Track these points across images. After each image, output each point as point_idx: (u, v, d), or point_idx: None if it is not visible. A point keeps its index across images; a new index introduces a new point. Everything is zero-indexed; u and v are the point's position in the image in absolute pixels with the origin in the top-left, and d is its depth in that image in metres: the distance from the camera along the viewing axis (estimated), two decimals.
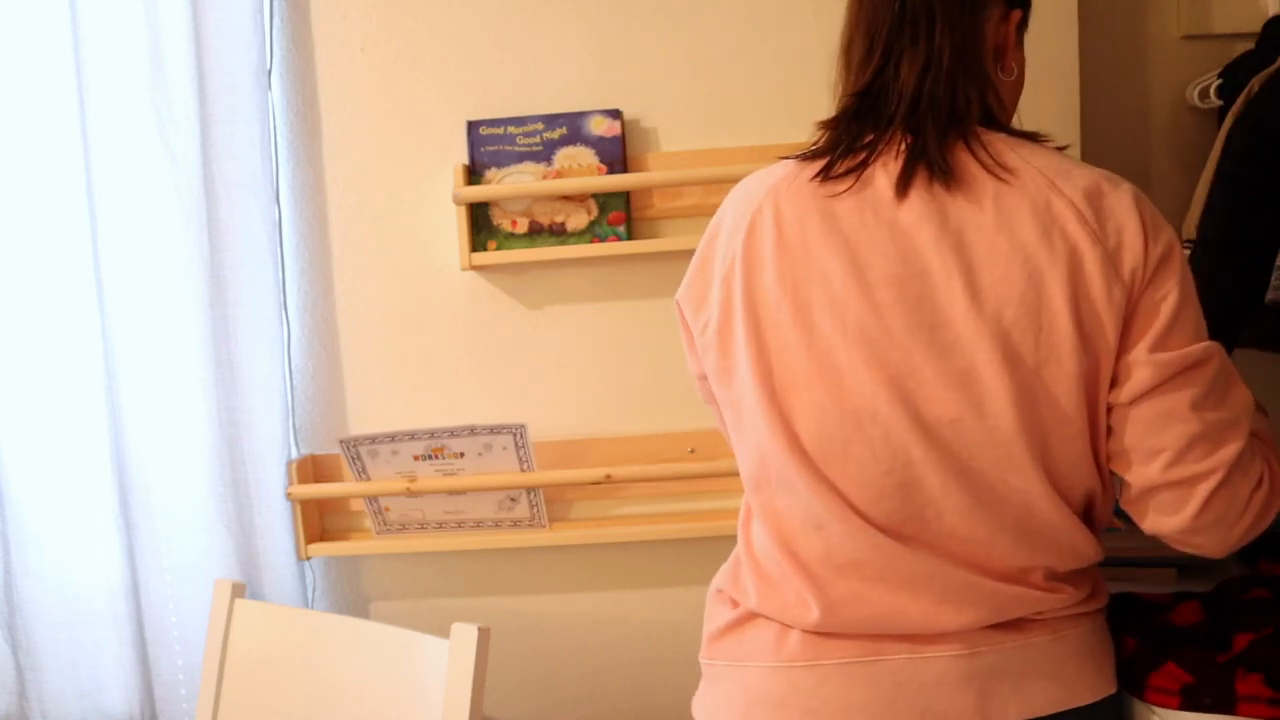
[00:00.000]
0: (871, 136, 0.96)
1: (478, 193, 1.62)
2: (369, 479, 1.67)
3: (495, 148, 1.64)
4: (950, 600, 0.93)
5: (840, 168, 0.96)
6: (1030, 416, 0.90)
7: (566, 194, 1.63)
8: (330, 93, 1.68)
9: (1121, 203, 0.90)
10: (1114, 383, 0.91)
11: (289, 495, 1.67)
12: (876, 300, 0.91)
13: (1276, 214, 1.30)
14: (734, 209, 1.01)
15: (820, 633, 0.96)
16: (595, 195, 1.64)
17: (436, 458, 1.65)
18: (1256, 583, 1.20)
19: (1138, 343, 0.89)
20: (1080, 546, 0.95)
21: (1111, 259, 0.89)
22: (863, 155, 0.96)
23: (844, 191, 0.95)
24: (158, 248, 1.61)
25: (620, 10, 1.64)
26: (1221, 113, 1.57)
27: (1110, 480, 0.97)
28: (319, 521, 1.75)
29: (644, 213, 1.66)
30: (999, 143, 0.94)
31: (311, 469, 1.73)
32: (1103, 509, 0.99)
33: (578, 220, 1.65)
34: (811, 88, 1.60)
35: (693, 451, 1.66)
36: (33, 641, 1.65)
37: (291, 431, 1.72)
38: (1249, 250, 1.32)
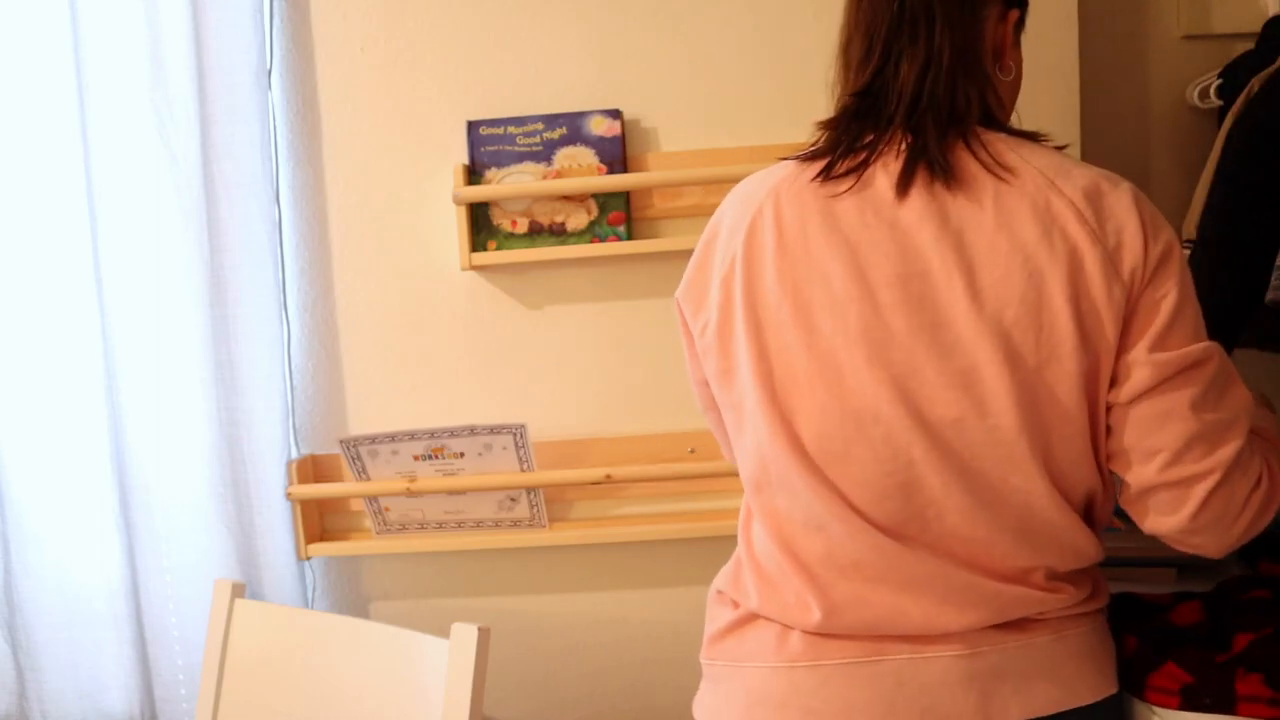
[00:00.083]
0: (871, 136, 0.96)
1: (478, 193, 1.62)
2: (369, 479, 1.67)
3: (495, 148, 1.64)
4: (952, 601, 0.93)
5: (841, 168, 0.95)
6: (1032, 416, 0.90)
7: (566, 194, 1.63)
8: (330, 93, 1.68)
9: (1121, 202, 0.90)
10: (1113, 382, 0.91)
11: (289, 495, 1.67)
12: (878, 300, 0.91)
13: (1276, 214, 1.30)
14: (733, 210, 1.01)
15: (821, 633, 0.96)
16: (595, 195, 1.64)
17: (436, 458, 1.65)
18: (1257, 583, 1.20)
19: (1137, 342, 0.89)
20: (1081, 546, 0.95)
21: (1111, 258, 0.89)
22: (863, 155, 0.95)
23: (844, 192, 0.95)
24: (158, 248, 1.61)
25: (620, 10, 1.64)
26: (1221, 113, 1.57)
27: (1110, 480, 0.97)
28: (319, 521, 1.75)
29: (644, 213, 1.66)
30: (999, 142, 0.94)
31: (311, 469, 1.73)
32: (1103, 508, 0.99)
33: (578, 220, 1.65)
34: (811, 88, 1.60)
35: (693, 451, 1.66)
36: (33, 641, 1.65)
37: (291, 431, 1.72)
38: (1249, 250, 1.32)
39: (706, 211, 1.57)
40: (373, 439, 1.63)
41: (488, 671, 1.28)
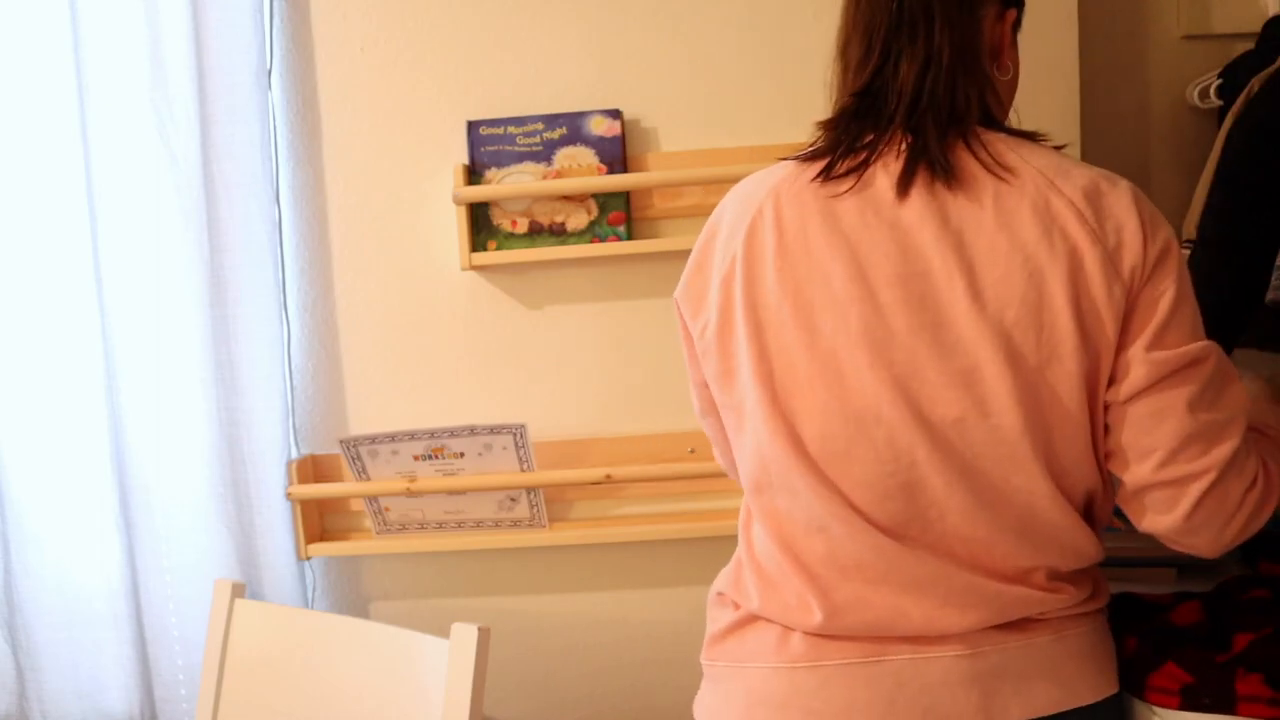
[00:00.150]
0: (871, 136, 0.96)
1: (478, 193, 1.62)
2: (369, 479, 1.67)
3: (495, 148, 1.64)
4: (953, 603, 0.93)
5: (841, 168, 0.95)
6: (1034, 415, 0.90)
7: (566, 194, 1.63)
8: (330, 93, 1.68)
9: (1120, 202, 0.90)
10: (1111, 380, 0.91)
11: (289, 495, 1.67)
12: (879, 301, 0.91)
13: (1276, 214, 1.30)
14: (733, 210, 1.01)
15: (822, 635, 0.96)
16: (595, 195, 1.64)
17: (436, 458, 1.65)
18: (1257, 583, 1.20)
19: (1134, 340, 0.89)
20: (1082, 546, 0.95)
21: (1111, 258, 0.89)
22: (863, 155, 0.95)
23: (845, 192, 0.95)
24: (158, 248, 1.61)
25: (620, 10, 1.64)
26: (1221, 113, 1.57)
27: (1110, 479, 0.97)
28: (319, 521, 1.75)
29: (644, 213, 1.66)
30: (998, 142, 0.94)
31: (311, 469, 1.73)
32: (1103, 507, 0.99)
33: (578, 220, 1.65)
34: (811, 88, 1.59)
35: (693, 451, 1.66)
36: (33, 641, 1.65)
37: (291, 431, 1.72)
38: (1249, 250, 1.32)
39: (706, 211, 1.56)
40: (373, 439, 1.63)
41: (488, 671, 1.28)
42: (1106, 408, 0.92)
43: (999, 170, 0.92)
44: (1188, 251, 1.44)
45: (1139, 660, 1.02)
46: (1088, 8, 1.64)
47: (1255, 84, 1.41)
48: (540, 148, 1.64)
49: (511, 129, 1.64)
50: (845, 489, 0.94)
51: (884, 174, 0.94)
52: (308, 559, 1.71)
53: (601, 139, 1.63)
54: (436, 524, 1.69)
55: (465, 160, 1.65)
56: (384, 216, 1.69)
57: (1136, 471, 0.91)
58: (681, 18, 1.63)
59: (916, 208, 0.92)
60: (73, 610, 1.66)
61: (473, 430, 1.60)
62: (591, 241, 1.64)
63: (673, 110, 1.65)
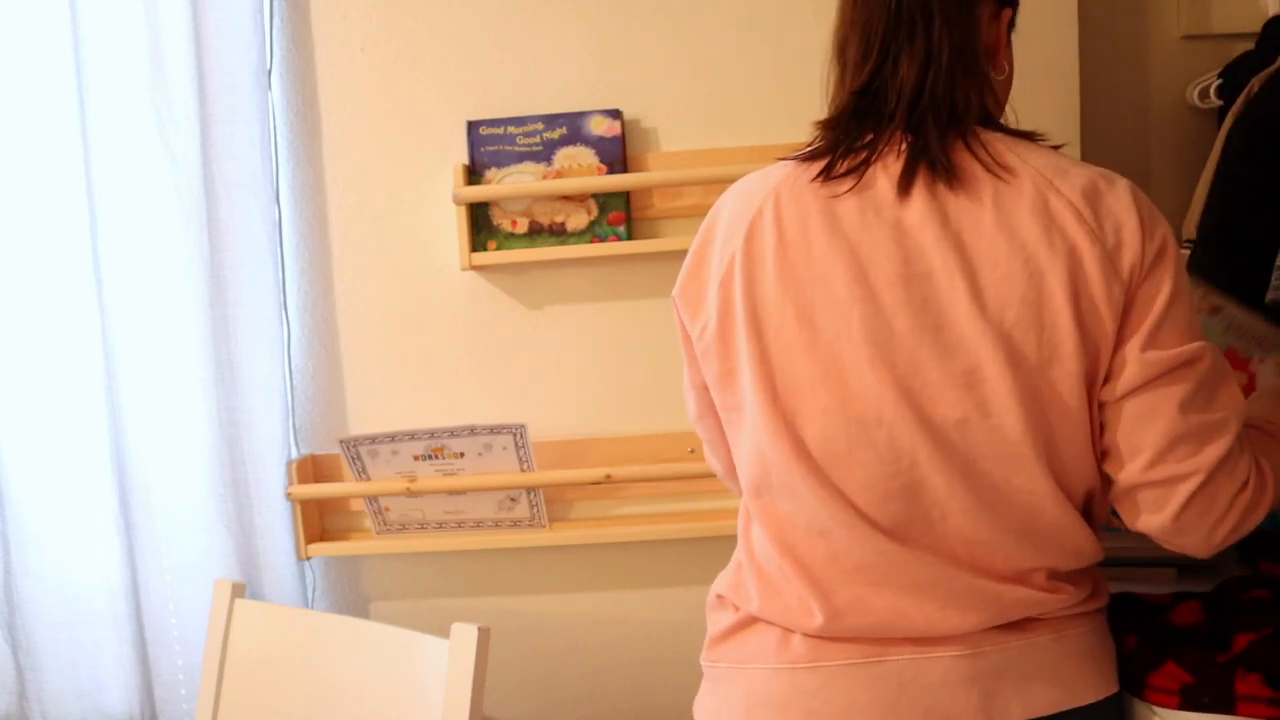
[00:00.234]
0: (871, 136, 0.96)
1: (478, 193, 1.62)
2: (369, 479, 1.67)
3: (495, 148, 1.64)
4: (954, 604, 0.93)
5: (841, 168, 0.95)
6: (1035, 415, 0.90)
7: (566, 194, 1.63)
8: (330, 93, 1.68)
9: (1119, 201, 0.90)
10: (1106, 377, 0.91)
11: (289, 495, 1.67)
12: (880, 302, 0.91)
13: (1276, 214, 1.30)
14: (731, 209, 1.01)
15: (824, 637, 0.96)
16: (595, 195, 1.64)
17: (436, 458, 1.65)
18: (1257, 583, 1.20)
19: (1130, 337, 0.89)
20: (1082, 545, 0.95)
21: (1110, 257, 0.89)
22: (863, 155, 0.95)
23: (845, 192, 0.94)
24: (158, 248, 1.61)
25: (620, 10, 1.64)
26: (1221, 113, 1.57)
27: (1107, 478, 0.97)
28: (319, 521, 1.75)
29: (644, 213, 1.66)
30: (997, 142, 0.94)
31: (311, 469, 1.73)
32: (1100, 506, 0.99)
33: (578, 220, 1.65)
34: (811, 88, 1.58)
35: (693, 451, 1.66)
36: (33, 641, 1.65)
37: (291, 431, 1.72)
38: (1249, 250, 1.32)
39: (706, 211, 1.56)
40: (373, 439, 1.63)
41: (488, 671, 1.28)
42: (1101, 405, 0.92)
43: (998, 170, 0.91)
44: (1187, 252, 1.45)
45: (1139, 660, 1.02)
46: (1088, 8, 1.64)
47: (1255, 84, 1.41)
48: (540, 148, 1.64)
49: (511, 129, 1.64)
50: (847, 491, 0.94)
51: (884, 174, 0.94)
52: (308, 559, 1.71)
53: (601, 139, 1.63)
54: (436, 524, 1.69)
55: (465, 160, 1.65)
56: (384, 216, 1.69)
57: (1127, 470, 0.91)
58: (681, 18, 1.63)
59: (917, 208, 0.92)
60: (73, 610, 1.66)
61: (473, 430, 1.60)
62: (591, 241, 1.64)
63: (673, 110, 1.65)
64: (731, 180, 1.05)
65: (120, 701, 1.67)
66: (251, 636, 1.52)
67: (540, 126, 1.63)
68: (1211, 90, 1.61)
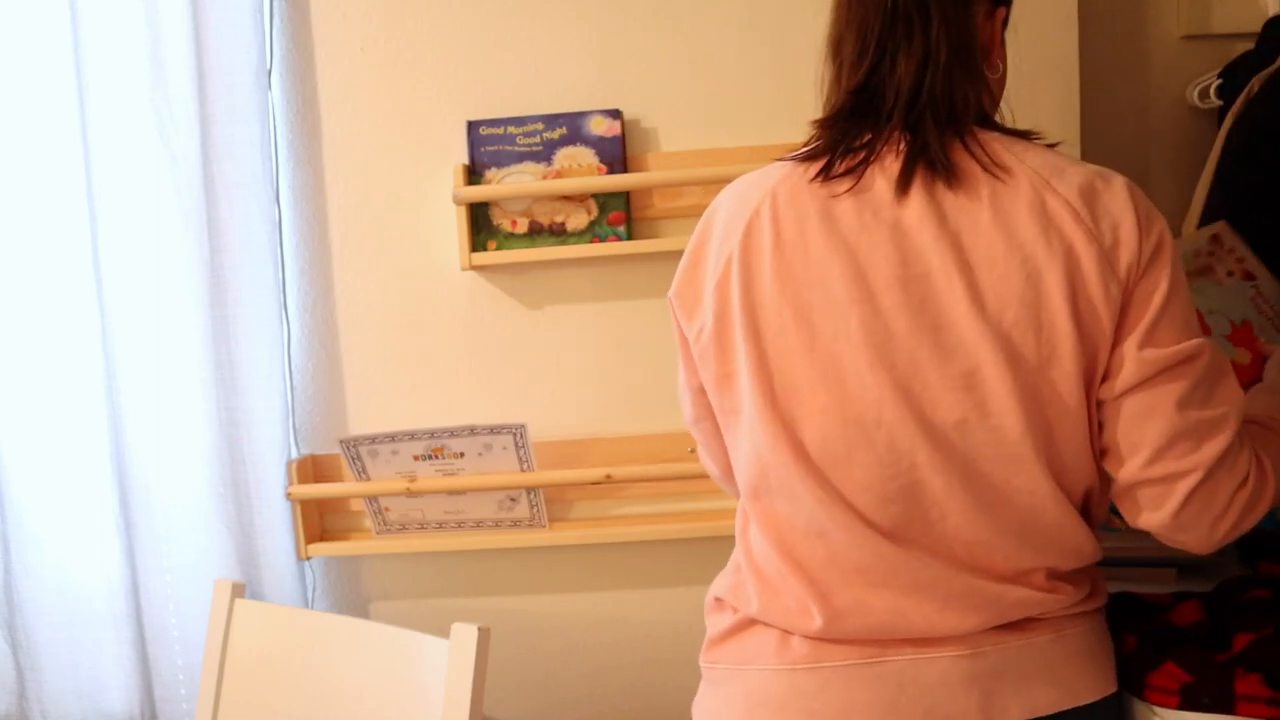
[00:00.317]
0: (869, 135, 0.95)
1: (478, 193, 1.62)
2: (369, 479, 1.67)
3: (495, 148, 1.64)
4: (954, 605, 0.93)
5: (839, 168, 0.95)
6: (1035, 415, 0.90)
7: (566, 194, 1.63)
8: (330, 93, 1.68)
9: (1116, 199, 0.90)
10: (1105, 375, 0.91)
11: (289, 495, 1.67)
12: (879, 303, 0.91)
13: (1276, 214, 1.30)
14: (728, 210, 1.00)
15: (823, 638, 0.96)
16: (595, 195, 1.64)
17: (436, 458, 1.65)
18: (1257, 583, 1.20)
19: (1128, 335, 0.89)
20: (1082, 545, 0.95)
21: (1108, 256, 0.88)
22: (861, 155, 0.95)
23: (843, 192, 0.94)
24: (158, 248, 1.61)
25: (620, 10, 1.64)
26: (1221, 113, 1.57)
27: (1105, 475, 0.97)
28: (319, 521, 1.75)
29: (644, 213, 1.66)
30: (994, 142, 0.93)
31: (311, 469, 1.73)
32: (1099, 505, 0.99)
33: (578, 220, 1.65)
34: (811, 88, 1.59)
35: (692, 451, 1.66)
36: (33, 641, 1.65)
37: (291, 431, 1.72)
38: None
39: None
40: (373, 439, 1.63)
41: (488, 671, 1.28)
42: (1100, 403, 0.92)
43: (996, 170, 0.91)
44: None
45: (1139, 659, 1.02)
46: (1088, 8, 1.64)
47: (1255, 84, 1.41)
48: (540, 148, 1.64)
49: (511, 129, 1.64)
50: (846, 493, 0.93)
51: (882, 174, 0.94)
52: (308, 559, 1.71)
53: (601, 139, 1.63)
54: (436, 524, 1.69)
55: (465, 160, 1.65)
56: (384, 216, 1.69)
57: (1127, 468, 0.91)
58: (681, 18, 1.63)
59: (915, 208, 0.92)
60: (73, 610, 1.66)
61: (473, 430, 1.60)
62: (591, 241, 1.64)
63: (673, 110, 1.65)
64: (731, 180, 1.05)
65: (120, 701, 1.67)
66: (251, 636, 1.52)
67: (540, 126, 1.64)
68: (1211, 90, 1.61)
